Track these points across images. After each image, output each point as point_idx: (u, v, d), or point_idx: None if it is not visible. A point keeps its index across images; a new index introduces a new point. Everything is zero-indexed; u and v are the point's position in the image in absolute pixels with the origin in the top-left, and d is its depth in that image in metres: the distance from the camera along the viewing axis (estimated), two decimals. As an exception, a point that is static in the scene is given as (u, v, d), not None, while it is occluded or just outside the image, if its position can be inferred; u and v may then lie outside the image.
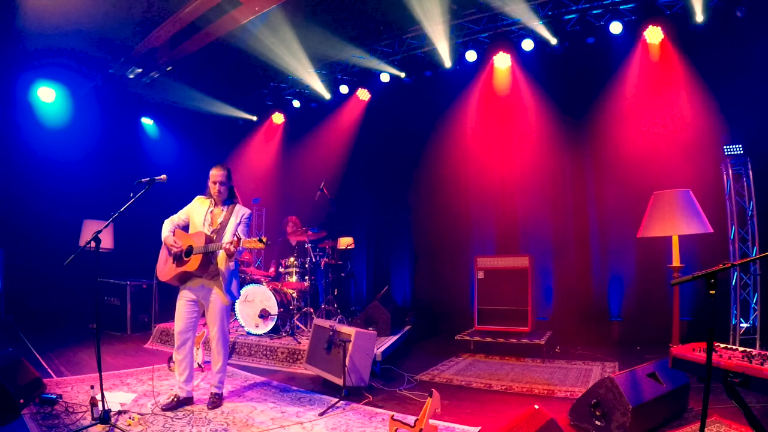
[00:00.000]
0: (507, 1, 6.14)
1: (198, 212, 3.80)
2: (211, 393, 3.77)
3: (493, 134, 7.20)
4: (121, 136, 8.23)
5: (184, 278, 3.70)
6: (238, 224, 3.74)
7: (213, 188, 3.76)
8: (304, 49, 7.14)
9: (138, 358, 5.39)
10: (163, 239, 3.73)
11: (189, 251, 3.60)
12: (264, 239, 3.32)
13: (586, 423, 3.10)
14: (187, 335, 3.69)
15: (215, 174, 3.76)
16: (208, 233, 3.67)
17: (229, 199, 3.86)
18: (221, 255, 3.67)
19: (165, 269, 3.74)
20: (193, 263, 3.55)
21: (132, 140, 8.53)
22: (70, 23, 6.09)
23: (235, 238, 3.42)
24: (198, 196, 3.90)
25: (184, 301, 3.70)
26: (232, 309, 6.05)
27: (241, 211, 3.81)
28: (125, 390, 4.08)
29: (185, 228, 3.84)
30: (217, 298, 3.69)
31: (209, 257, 3.61)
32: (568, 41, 6.42)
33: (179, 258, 3.64)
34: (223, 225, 3.73)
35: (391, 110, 8.07)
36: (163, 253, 3.81)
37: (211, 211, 3.80)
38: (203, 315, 3.82)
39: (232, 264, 3.75)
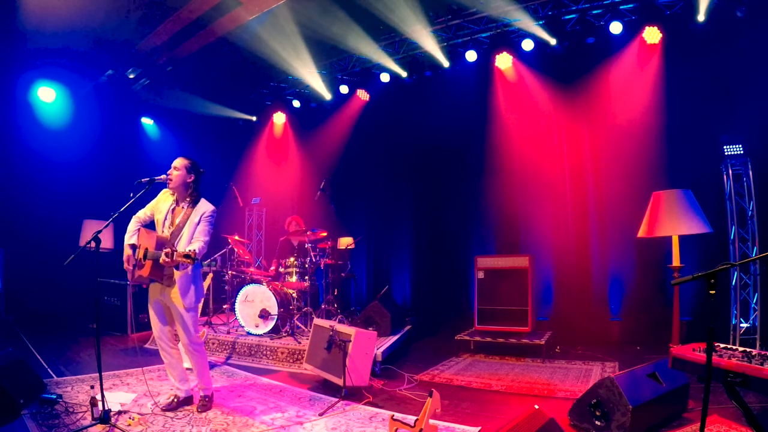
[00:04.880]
0: (507, 1, 6.14)
1: (161, 210, 3.61)
2: (200, 396, 3.72)
3: (493, 134, 7.19)
4: (121, 136, 8.23)
5: (150, 280, 3.55)
6: (197, 224, 3.51)
7: (167, 174, 3.55)
8: (304, 49, 7.15)
9: (138, 358, 5.38)
10: (124, 245, 3.56)
11: (146, 254, 3.44)
12: (192, 254, 3.13)
13: (586, 423, 3.10)
14: (164, 338, 3.62)
15: (175, 160, 3.57)
16: (167, 234, 3.49)
17: (188, 196, 3.59)
18: None
19: (129, 272, 3.59)
20: (146, 269, 3.41)
21: (132, 140, 8.52)
22: (70, 23, 6.09)
23: (169, 250, 3.18)
24: (164, 190, 3.69)
25: (152, 305, 3.60)
26: (232, 309, 6.06)
27: (202, 209, 3.55)
28: (125, 390, 4.08)
29: (152, 224, 3.64)
30: (176, 304, 3.50)
31: (159, 263, 3.37)
32: (568, 41, 6.42)
33: (138, 261, 3.51)
34: (180, 226, 3.50)
35: (390, 110, 8.07)
36: None
37: (173, 209, 3.58)
38: None
39: (189, 269, 3.49)
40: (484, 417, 3.54)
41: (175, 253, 3.17)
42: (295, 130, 9.20)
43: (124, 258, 3.51)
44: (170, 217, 3.57)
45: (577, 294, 6.49)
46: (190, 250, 3.18)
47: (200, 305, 4.00)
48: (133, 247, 3.56)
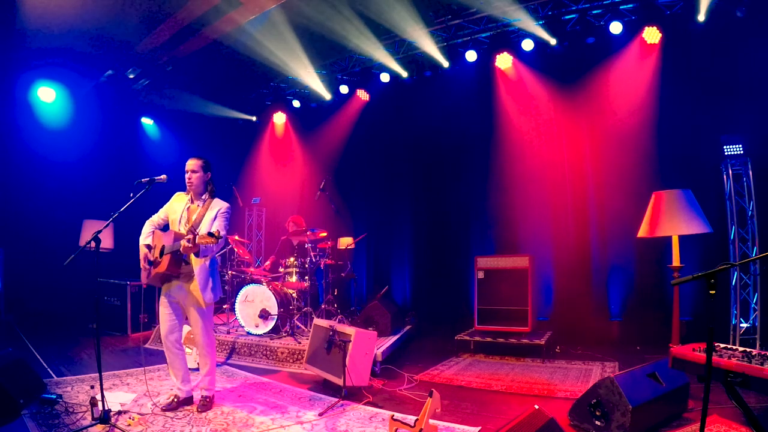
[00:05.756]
0: (507, 1, 6.14)
1: (175, 210, 3.66)
2: (201, 396, 3.70)
3: (493, 134, 7.19)
4: (121, 136, 8.23)
5: (164, 279, 3.58)
6: (214, 219, 3.55)
7: (186, 179, 3.61)
8: (304, 49, 7.15)
9: (138, 358, 5.39)
10: (139, 246, 3.62)
11: (162, 251, 3.49)
12: (216, 233, 3.13)
13: (586, 423, 3.10)
14: (171, 338, 3.63)
15: (188, 163, 3.61)
16: (184, 231, 3.51)
17: (205, 193, 3.67)
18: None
19: (144, 272, 3.65)
20: (163, 264, 3.43)
21: (132, 140, 8.53)
22: (70, 23, 6.09)
23: (191, 235, 3.21)
24: (177, 193, 3.75)
25: (164, 303, 3.61)
26: (232, 309, 6.06)
27: (217, 206, 3.61)
28: (125, 390, 4.08)
29: (166, 227, 3.69)
30: (193, 300, 3.53)
31: (179, 257, 3.43)
32: (567, 41, 6.41)
33: (155, 260, 3.55)
34: (197, 222, 3.54)
35: (391, 110, 8.07)
36: None
37: (188, 208, 3.63)
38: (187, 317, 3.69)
39: (207, 262, 3.54)
40: (484, 417, 3.54)
41: (197, 236, 3.20)
42: (295, 130, 9.20)
43: (141, 257, 3.57)
44: (186, 215, 3.61)
45: (577, 294, 6.48)
46: (215, 230, 3.21)
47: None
48: (148, 247, 3.61)
